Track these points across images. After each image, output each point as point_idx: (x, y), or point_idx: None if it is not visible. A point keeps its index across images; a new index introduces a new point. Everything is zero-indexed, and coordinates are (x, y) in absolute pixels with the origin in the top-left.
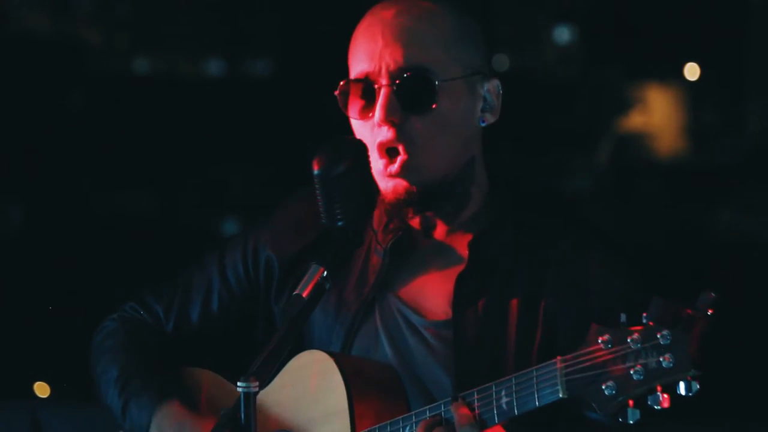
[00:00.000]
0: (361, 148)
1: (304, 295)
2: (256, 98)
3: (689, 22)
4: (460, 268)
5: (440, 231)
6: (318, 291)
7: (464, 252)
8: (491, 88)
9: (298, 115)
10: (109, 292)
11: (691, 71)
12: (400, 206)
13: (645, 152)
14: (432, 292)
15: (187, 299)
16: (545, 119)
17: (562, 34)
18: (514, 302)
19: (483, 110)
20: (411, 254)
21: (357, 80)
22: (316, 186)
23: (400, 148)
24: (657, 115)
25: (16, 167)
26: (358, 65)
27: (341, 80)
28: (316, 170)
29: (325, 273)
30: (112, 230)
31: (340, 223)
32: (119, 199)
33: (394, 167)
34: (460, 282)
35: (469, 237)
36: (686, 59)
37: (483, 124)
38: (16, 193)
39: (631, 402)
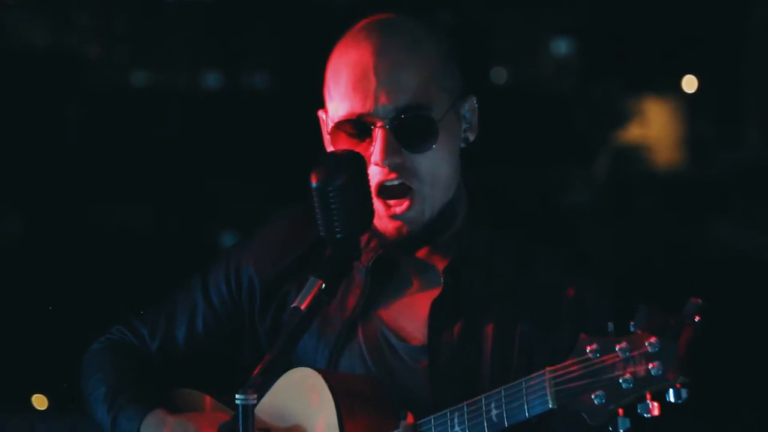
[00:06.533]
0: (360, 160)
1: (303, 307)
2: (254, 111)
3: (687, 35)
4: (437, 291)
5: (422, 249)
6: (316, 304)
7: (442, 275)
8: (470, 106)
9: (296, 129)
10: (108, 304)
11: (689, 84)
12: (402, 243)
13: (643, 165)
14: (411, 316)
15: (172, 321)
16: (543, 132)
17: (560, 47)
18: (489, 328)
19: (465, 130)
20: (393, 273)
21: (348, 120)
22: (315, 199)
23: (406, 187)
24: (655, 127)
25: (16, 179)
26: (347, 102)
27: (319, 108)
28: (314, 183)
29: (324, 286)
30: (110, 242)
31: (338, 236)
32: (117, 211)
33: (400, 208)
34: (435, 309)
35: (448, 258)
36: (684, 72)
37: (464, 145)
38: (16, 205)
39: (620, 410)
